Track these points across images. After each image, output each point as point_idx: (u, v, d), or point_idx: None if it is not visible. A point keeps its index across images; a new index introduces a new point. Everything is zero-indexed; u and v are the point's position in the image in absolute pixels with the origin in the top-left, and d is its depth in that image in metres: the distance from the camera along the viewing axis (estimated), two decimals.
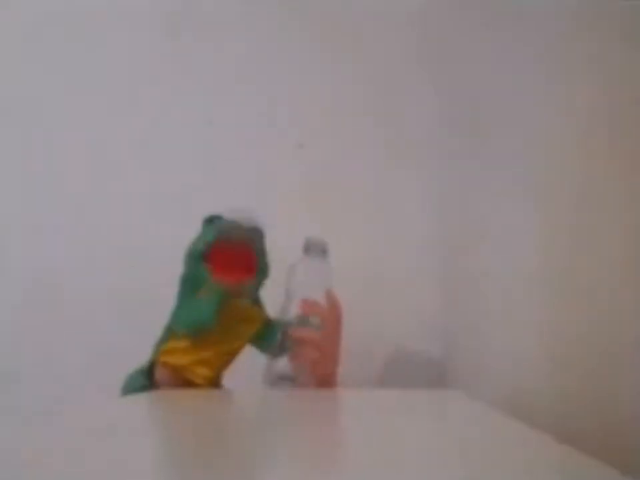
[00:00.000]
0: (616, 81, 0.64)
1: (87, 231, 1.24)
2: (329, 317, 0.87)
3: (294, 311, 0.86)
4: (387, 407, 0.66)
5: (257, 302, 0.85)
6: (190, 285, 0.80)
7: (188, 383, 0.79)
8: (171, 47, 1.28)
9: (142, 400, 0.72)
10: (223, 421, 0.59)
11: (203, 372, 0.79)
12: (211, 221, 0.82)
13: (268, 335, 0.84)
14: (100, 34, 1.28)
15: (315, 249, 0.90)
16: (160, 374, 0.80)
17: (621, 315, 0.61)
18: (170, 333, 0.81)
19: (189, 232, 0.81)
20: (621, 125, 0.63)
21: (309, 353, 0.83)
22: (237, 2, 1.30)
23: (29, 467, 0.36)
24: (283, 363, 0.84)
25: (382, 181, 1.28)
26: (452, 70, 1.22)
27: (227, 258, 0.78)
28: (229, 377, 0.85)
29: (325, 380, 0.85)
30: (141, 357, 0.82)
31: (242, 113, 1.27)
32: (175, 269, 0.80)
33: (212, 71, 1.29)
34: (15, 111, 1.26)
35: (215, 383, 0.82)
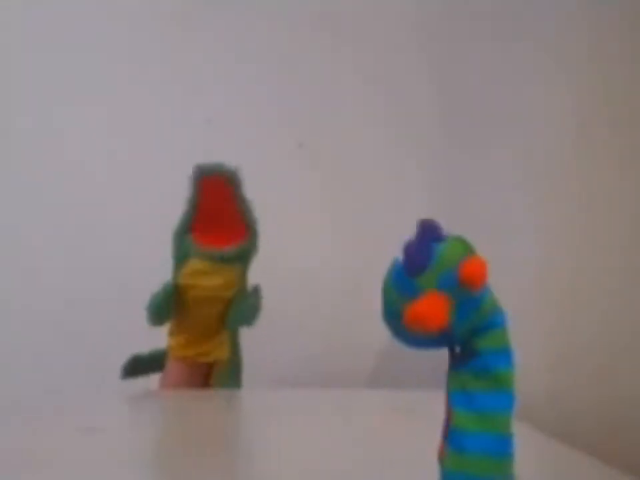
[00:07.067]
0: (616, 77, 0.64)
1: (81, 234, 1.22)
2: None
3: None
4: (387, 408, 0.65)
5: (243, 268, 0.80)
6: (177, 261, 0.77)
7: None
8: (169, 44, 1.28)
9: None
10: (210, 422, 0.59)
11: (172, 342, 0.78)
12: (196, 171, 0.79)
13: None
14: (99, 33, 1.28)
15: None
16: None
17: (622, 317, 0.61)
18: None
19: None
20: (623, 125, 0.63)
21: None
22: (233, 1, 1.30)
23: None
24: None
25: (381, 180, 1.28)
26: (453, 67, 1.22)
27: (213, 223, 0.75)
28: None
29: None
30: None
31: (241, 112, 1.26)
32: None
33: (211, 70, 1.28)
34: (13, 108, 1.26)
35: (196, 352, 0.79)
